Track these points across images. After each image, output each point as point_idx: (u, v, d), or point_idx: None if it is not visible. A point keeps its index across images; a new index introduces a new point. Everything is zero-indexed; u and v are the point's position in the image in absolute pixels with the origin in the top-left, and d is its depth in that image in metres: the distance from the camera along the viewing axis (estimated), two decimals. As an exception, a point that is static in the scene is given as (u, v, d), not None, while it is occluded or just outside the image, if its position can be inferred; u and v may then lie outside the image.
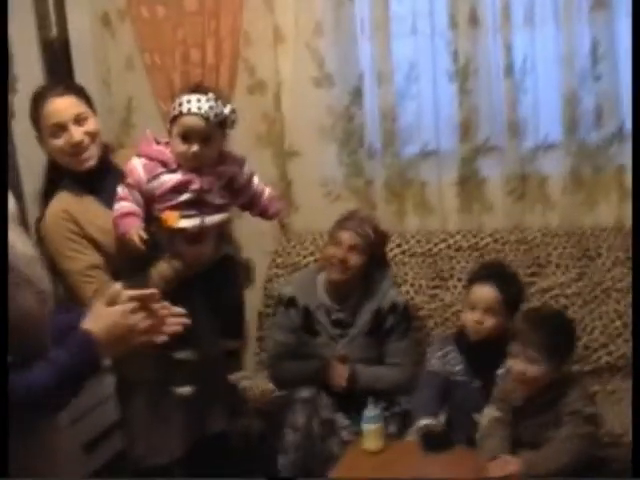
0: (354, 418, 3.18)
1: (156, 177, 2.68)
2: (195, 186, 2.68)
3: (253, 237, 4.12)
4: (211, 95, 2.68)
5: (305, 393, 3.20)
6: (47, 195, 2.78)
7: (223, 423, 3.04)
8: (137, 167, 2.69)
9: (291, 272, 3.88)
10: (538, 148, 3.80)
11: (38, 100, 2.72)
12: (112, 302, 1.84)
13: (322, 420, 3.17)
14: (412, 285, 3.76)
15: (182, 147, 2.67)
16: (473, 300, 3.11)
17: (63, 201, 2.73)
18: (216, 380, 2.98)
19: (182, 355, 2.74)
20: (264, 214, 2.97)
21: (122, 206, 2.66)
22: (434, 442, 2.93)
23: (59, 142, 2.69)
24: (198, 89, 2.74)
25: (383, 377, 3.33)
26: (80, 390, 1.78)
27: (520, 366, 2.74)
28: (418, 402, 3.16)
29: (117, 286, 1.89)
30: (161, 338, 1.96)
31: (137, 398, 2.92)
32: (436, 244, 3.81)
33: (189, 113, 2.64)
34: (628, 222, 3.64)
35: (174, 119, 2.69)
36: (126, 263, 2.70)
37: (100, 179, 2.78)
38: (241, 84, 4.05)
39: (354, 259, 3.32)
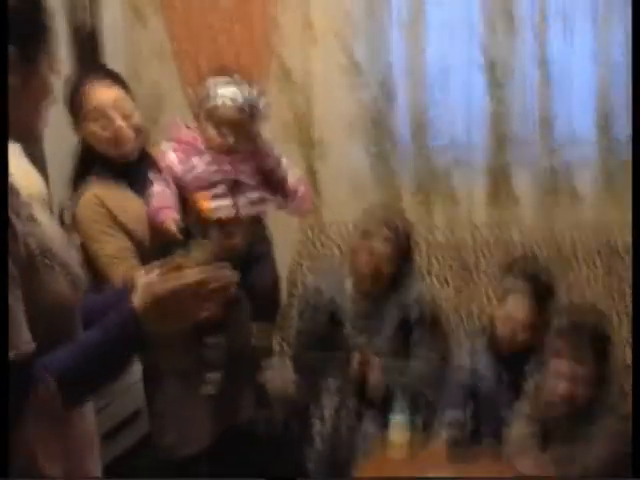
0: (380, 411, 3.17)
1: (189, 162, 2.65)
2: (230, 174, 2.65)
3: (278, 227, 4.11)
4: (245, 85, 2.65)
5: (332, 384, 3.19)
6: (77, 181, 2.77)
7: (251, 411, 3.00)
8: (169, 153, 2.67)
9: (316, 263, 3.87)
10: (569, 142, 3.78)
11: (78, 84, 2.69)
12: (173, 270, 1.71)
13: (349, 412, 3.17)
14: (437, 277, 3.74)
15: (217, 139, 2.65)
16: (508, 311, 3.09)
17: (95, 187, 2.70)
18: (246, 367, 2.93)
19: (213, 340, 2.70)
20: (294, 211, 3.01)
21: (157, 194, 2.63)
22: (462, 436, 2.93)
23: (99, 128, 2.66)
24: (226, 73, 2.72)
25: (410, 371, 3.31)
26: (117, 373, 1.70)
27: (564, 379, 2.72)
28: (446, 396, 3.15)
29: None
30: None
31: (165, 386, 2.85)
32: (462, 237, 3.79)
33: (224, 105, 2.61)
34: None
35: (207, 109, 2.65)
36: (157, 252, 2.65)
37: (133, 167, 2.75)
38: (271, 76, 4.03)
39: (387, 267, 3.29)
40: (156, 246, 2.66)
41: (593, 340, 2.78)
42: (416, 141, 3.93)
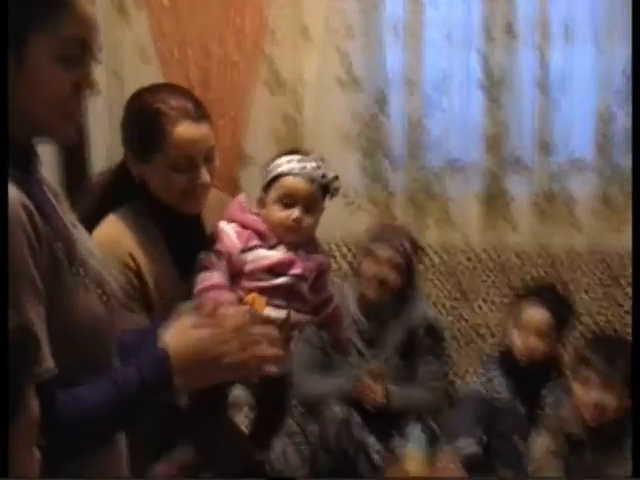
0: (385, 441, 3.08)
1: (251, 250, 2.22)
2: (296, 270, 2.22)
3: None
4: (314, 155, 2.30)
5: (337, 411, 3.07)
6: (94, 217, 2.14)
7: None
8: (230, 234, 2.22)
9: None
10: (568, 167, 3.74)
11: (162, 118, 2.11)
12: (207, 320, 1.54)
13: (354, 441, 3.06)
14: (435, 304, 3.66)
15: (280, 214, 2.23)
16: (525, 322, 3.02)
17: (122, 232, 2.14)
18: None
19: None
20: (327, 324, 2.53)
21: (208, 276, 2.17)
22: (477, 467, 2.86)
23: (179, 177, 2.11)
24: (297, 152, 2.33)
25: (417, 399, 3.22)
26: (141, 417, 1.53)
27: (596, 395, 2.66)
28: (459, 426, 3.07)
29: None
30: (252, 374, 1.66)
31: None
32: (459, 262, 3.72)
33: (291, 173, 2.23)
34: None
35: (270, 182, 2.27)
36: None
37: (177, 224, 2.22)
38: (262, 83, 3.89)
39: (394, 278, 3.22)
40: None
41: (624, 354, 2.72)
42: (412, 160, 3.83)
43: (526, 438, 2.93)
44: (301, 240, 2.25)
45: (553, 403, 2.93)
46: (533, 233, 3.76)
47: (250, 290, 2.17)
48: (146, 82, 3.94)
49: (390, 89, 3.81)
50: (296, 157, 2.25)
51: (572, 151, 3.73)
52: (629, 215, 3.65)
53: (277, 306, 2.19)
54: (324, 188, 2.26)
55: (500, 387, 3.06)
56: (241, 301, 2.12)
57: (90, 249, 1.48)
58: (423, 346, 3.28)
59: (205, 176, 2.13)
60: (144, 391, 1.45)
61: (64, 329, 1.34)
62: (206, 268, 2.17)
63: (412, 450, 2.89)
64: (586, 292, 3.59)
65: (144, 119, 2.13)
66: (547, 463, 2.73)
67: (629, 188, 3.64)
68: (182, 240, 2.21)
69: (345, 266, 3.75)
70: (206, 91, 3.85)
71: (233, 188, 3.74)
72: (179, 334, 1.53)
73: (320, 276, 2.33)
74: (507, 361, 3.09)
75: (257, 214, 2.25)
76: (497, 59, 3.68)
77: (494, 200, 3.78)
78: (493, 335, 3.61)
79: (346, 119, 3.86)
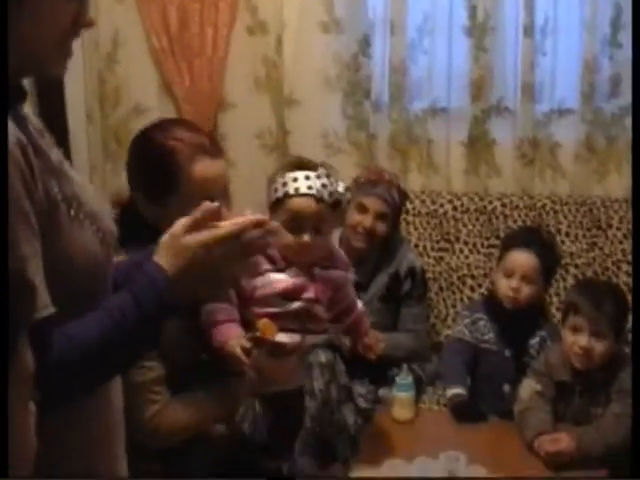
0: (370, 386, 3.06)
1: (261, 275, 2.15)
2: (309, 295, 2.16)
3: (243, 189, 3.92)
4: (322, 170, 2.17)
5: (323, 357, 3.03)
6: None
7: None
8: None
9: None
10: (552, 113, 3.68)
11: (178, 157, 1.97)
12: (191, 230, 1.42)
13: (339, 386, 3.02)
14: (416, 246, 3.62)
15: (288, 237, 2.14)
16: (510, 266, 2.98)
17: None
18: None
19: None
20: (350, 331, 2.47)
21: (216, 309, 2.08)
22: (465, 413, 2.84)
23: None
24: (303, 165, 2.20)
25: (400, 344, 3.18)
26: (145, 347, 1.45)
27: (585, 341, 2.64)
28: (446, 371, 3.05)
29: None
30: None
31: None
32: (442, 205, 3.67)
33: (297, 194, 2.12)
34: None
35: (276, 202, 2.16)
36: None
37: None
38: (241, 24, 3.80)
39: (381, 227, 3.16)
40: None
41: (612, 299, 2.70)
42: (393, 102, 3.76)
43: (512, 382, 2.91)
44: (314, 259, 2.17)
45: (540, 349, 2.91)
46: (516, 179, 3.72)
47: (261, 316, 2.07)
48: (121, 23, 3.87)
49: (372, 31, 3.74)
50: (302, 174, 2.13)
51: (557, 97, 3.67)
52: (613, 161, 3.67)
53: (291, 330, 2.13)
54: (335, 203, 2.16)
55: (485, 330, 3.03)
56: (252, 327, 2.04)
57: (82, 185, 1.41)
58: (406, 291, 3.24)
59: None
60: (142, 316, 1.35)
61: (60, 267, 1.26)
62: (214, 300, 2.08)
63: (399, 396, 2.86)
64: (567, 236, 3.55)
65: (157, 159, 1.98)
66: (534, 404, 2.72)
67: (612, 133, 3.63)
68: None
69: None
70: (183, 30, 3.76)
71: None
72: (171, 244, 1.41)
73: (338, 290, 2.26)
74: (492, 305, 3.05)
75: None
76: (482, 2, 3.60)
77: (477, 145, 3.73)
78: (475, 279, 3.58)
79: (327, 61, 3.79)
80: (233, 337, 2.04)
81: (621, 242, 3.52)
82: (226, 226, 1.41)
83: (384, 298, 3.23)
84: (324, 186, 2.12)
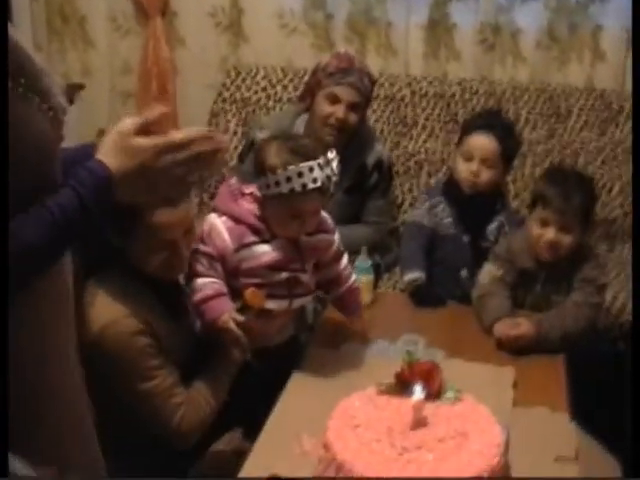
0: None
1: (246, 247, 2.11)
2: (295, 265, 2.15)
3: (195, 68, 3.78)
4: (322, 159, 2.07)
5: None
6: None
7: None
8: (222, 232, 2.10)
9: (240, 108, 3.58)
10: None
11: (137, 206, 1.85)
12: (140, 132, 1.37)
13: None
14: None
15: (286, 226, 2.11)
16: (469, 150, 2.88)
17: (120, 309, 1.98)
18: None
19: None
20: (341, 305, 2.45)
21: (205, 286, 2.09)
22: (423, 298, 2.81)
23: (157, 257, 1.99)
24: (302, 151, 2.07)
25: (359, 237, 3.06)
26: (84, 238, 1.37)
27: (552, 235, 2.59)
28: (403, 255, 2.99)
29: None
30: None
31: None
32: (400, 89, 3.58)
33: (304, 191, 2.03)
34: (600, 84, 3.56)
35: (278, 196, 2.05)
36: None
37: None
38: None
39: (353, 118, 3.01)
40: None
41: (581, 191, 2.65)
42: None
43: (469, 267, 2.88)
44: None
45: (498, 234, 2.86)
46: (476, 64, 3.65)
47: (248, 286, 2.09)
48: None
49: None
50: (306, 167, 2.02)
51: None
52: (574, 49, 3.61)
53: (279, 296, 2.14)
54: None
55: (443, 215, 2.96)
56: (240, 297, 2.08)
57: (33, 59, 1.29)
58: (373, 184, 3.16)
59: (185, 251, 2.02)
60: (84, 211, 1.30)
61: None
62: (201, 274, 2.10)
63: (358, 279, 2.79)
64: (527, 122, 3.50)
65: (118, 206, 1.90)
66: (494, 289, 2.67)
67: (575, 21, 3.56)
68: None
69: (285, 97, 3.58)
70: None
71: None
72: (120, 143, 1.35)
73: (324, 253, 2.27)
74: (451, 190, 2.97)
75: (251, 194, 2.14)
76: None
77: (437, 29, 3.64)
78: (433, 164, 3.52)
79: None
80: (225, 311, 2.07)
81: (581, 130, 3.48)
82: (178, 134, 1.37)
83: (349, 190, 3.12)
84: (329, 178, 2.07)
